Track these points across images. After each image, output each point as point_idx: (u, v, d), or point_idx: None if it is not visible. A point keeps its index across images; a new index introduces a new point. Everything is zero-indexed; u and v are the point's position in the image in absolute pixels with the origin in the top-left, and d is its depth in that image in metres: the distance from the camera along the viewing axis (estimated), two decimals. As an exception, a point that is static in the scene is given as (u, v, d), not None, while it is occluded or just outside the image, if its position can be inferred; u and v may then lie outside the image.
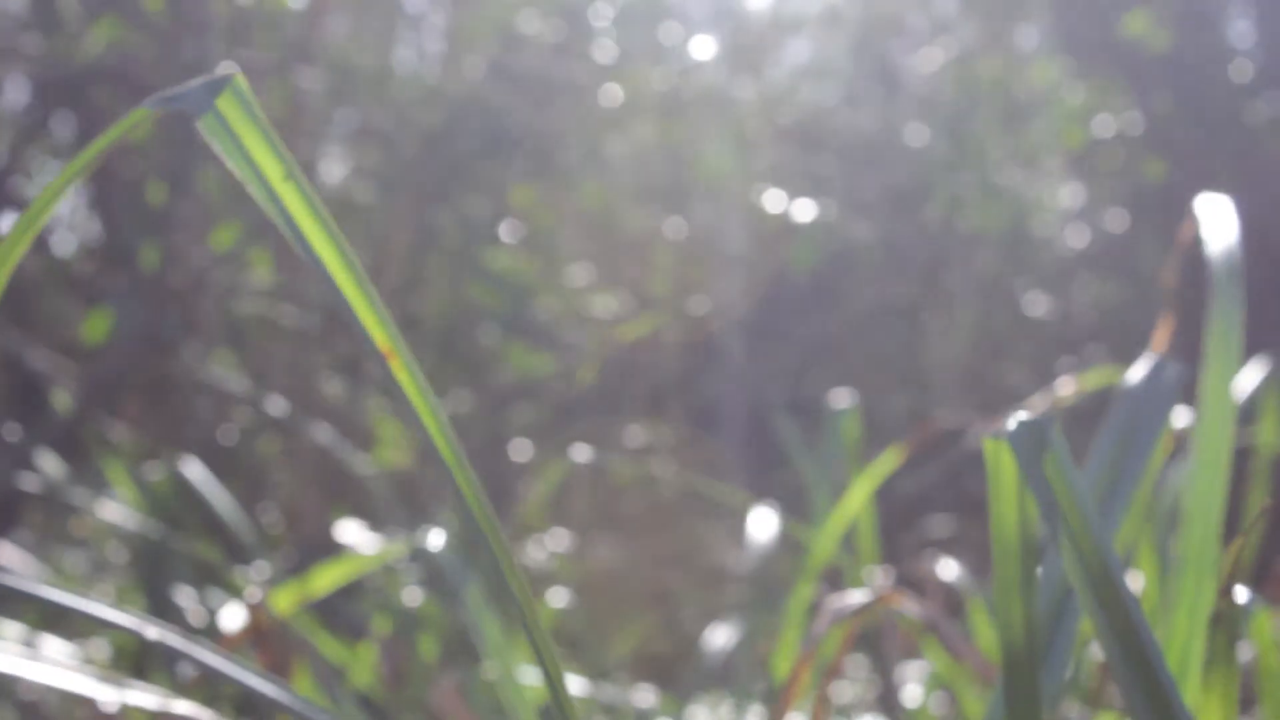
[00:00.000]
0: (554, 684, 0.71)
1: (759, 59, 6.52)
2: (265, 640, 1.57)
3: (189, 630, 2.08)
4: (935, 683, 1.93)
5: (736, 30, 6.43)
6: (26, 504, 2.85)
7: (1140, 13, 5.56)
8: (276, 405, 2.77)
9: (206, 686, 1.85)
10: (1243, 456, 1.50)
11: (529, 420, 4.36)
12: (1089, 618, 0.73)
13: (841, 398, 2.19)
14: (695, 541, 5.02)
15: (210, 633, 2.02)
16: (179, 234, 3.26)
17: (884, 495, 2.06)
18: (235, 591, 2.09)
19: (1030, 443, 0.76)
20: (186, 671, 1.87)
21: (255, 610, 1.55)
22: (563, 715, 0.72)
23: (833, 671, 1.33)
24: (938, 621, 1.42)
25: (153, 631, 0.79)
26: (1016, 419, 0.77)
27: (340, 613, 2.29)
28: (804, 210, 5.18)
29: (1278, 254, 5.14)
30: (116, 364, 3.02)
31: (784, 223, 5.19)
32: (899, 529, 4.53)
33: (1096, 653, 1.51)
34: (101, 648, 2.20)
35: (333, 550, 1.86)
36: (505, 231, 4.03)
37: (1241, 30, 6.42)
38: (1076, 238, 6.87)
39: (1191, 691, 0.92)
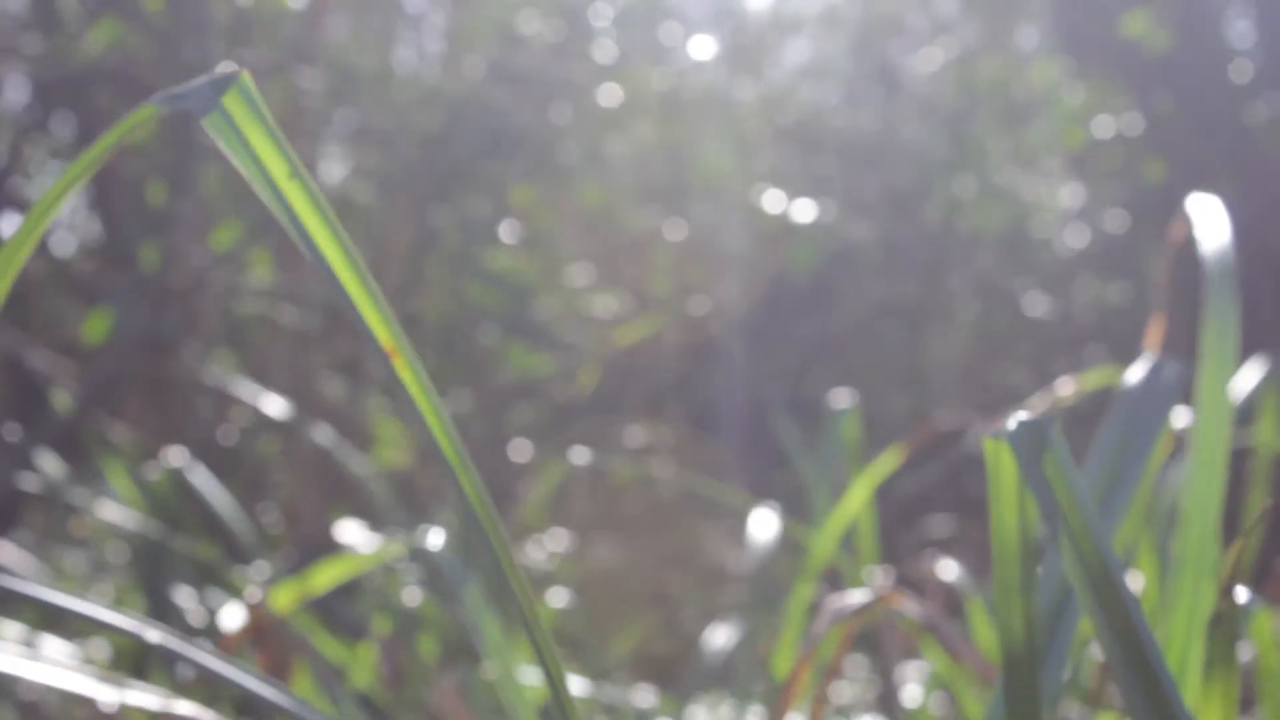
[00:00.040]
0: (555, 683, 0.71)
1: (759, 59, 6.53)
2: (265, 640, 1.57)
3: (189, 630, 2.08)
4: (935, 683, 1.93)
5: (736, 30, 6.43)
6: (26, 504, 2.85)
7: (1140, 13, 5.57)
8: (276, 405, 2.77)
9: (207, 686, 1.85)
10: (1243, 457, 1.50)
11: (529, 420, 4.36)
12: (1089, 618, 0.73)
13: (841, 398, 2.19)
14: (695, 541, 5.02)
15: (210, 632, 2.02)
16: (179, 234, 3.26)
17: (884, 495, 2.06)
18: (235, 591, 2.09)
19: (1030, 443, 0.76)
20: (186, 672, 1.87)
21: (255, 610, 1.55)
22: (563, 714, 0.72)
23: (832, 671, 1.33)
24: (937, 622, 1.43)
25: (154, 635, 0.80)
26: (1016, 419, 0.77)
27: (340, 613, 2.29)
28: (804, 210, 5.18)
29: (1276, 254, 5.14)
30: (116, 364, 3.02)
31: (784, 223, 5.19)
32: (899, 529, 4.53)
33: (1096, 653, 1.51)
34: (101, 647, 2.20)
35: (332, 550, 1.86)
36: (505, 231, 4.03)
37: (1241, 31, 6.42)
38: (1076, 238, 6.87)
39: (1191, 692, 0.92)
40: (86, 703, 1.72)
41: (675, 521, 4.99)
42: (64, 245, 3.91)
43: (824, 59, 7.21)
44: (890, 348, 6.35)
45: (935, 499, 5.17)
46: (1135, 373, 1.08)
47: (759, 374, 6.35)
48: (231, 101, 0.66)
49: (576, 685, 2.07)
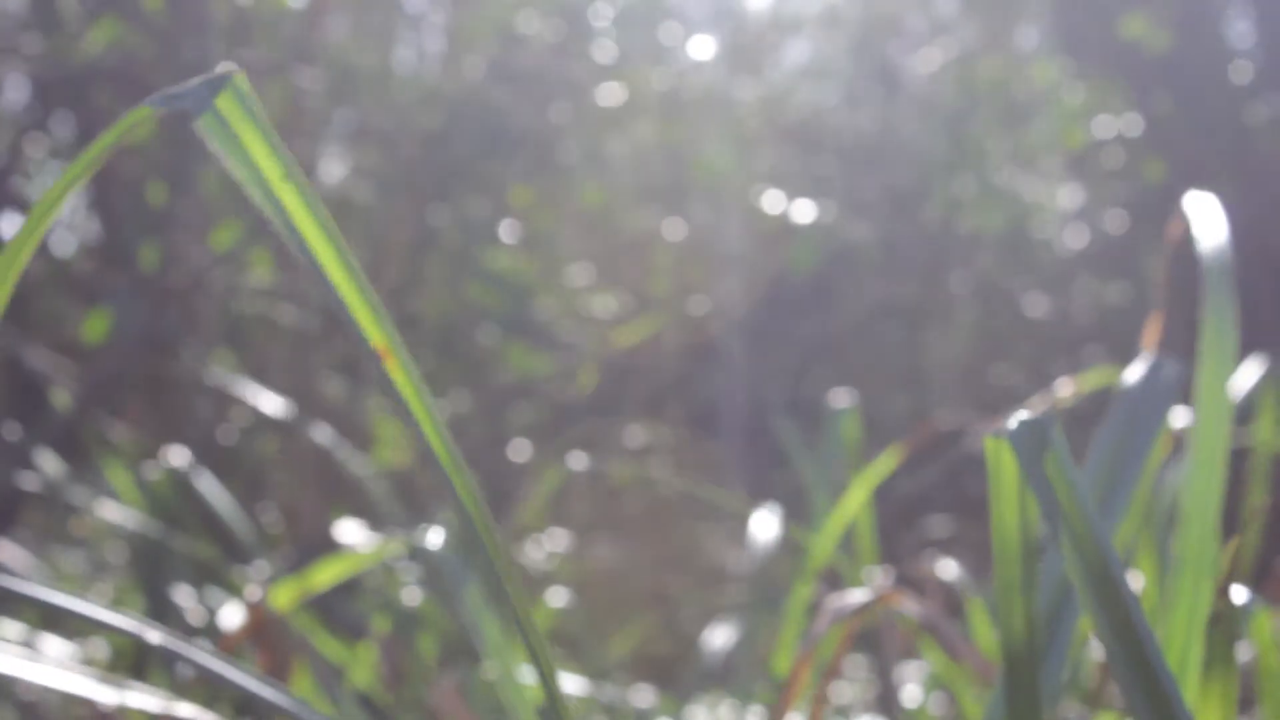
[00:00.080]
0: (550, 689, 0.71)
1: (759, 59, 6.53)
2: (265, 639, 1.57)
3: (188, 629, 2.08)
4: (934, 683, 1.93)
5: (736, 30, 6.43)
6: (26, 503, 2.85)
7: (1139, 15, 5.57)
8: (276, 404, 2.77)
9: (207, 685, 1.85)
10: (1242, 457, 1.50)
11: (528, 420, 4.36)
12: (1090, 617, 0.73)
13: (841, 398, 2.19)
14: (695, 541, 5.02)
15: (210, 631, 2.02)
16: (179, 234, 3.26)
17: (884, 495, 2.06)
18: (234, 590, 2.09)
19: (1031, 442, 0.76)
20: (186, 672, 1.87)
21: (255, 609, 1.55)
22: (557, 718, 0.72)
23: (832, 671, 1.33)
24: (937, 621, 1.43)
25: (154, 635, 0.79)
26: (1017, 418, 0.77)
27: (340, 612, 2.29)
28: (803, 211, 5.18)
29: (1276, 255, 5.14)
30: (116, 364, 3.02)
31: (783, 223, 5.19)
32: (899, 529, 4.53)
33: (1096, 652, 1.51)
34: (101, 647, 2.20)
35: (332, 550, 1.86)
36: (505, 231, 4.03)
37: (1241, 31, 6.42)
38: (1076, 238, 6.87)
39: (1191, 691, 0.92)
40: (86, 703, 1.72)
41: (675, 521, 4.99)
42: (64, 245, 3.91)
43: (824, 59, 7.21)
44: (890, 348, 6.35)
45: (935, 499, 5.17)
46: (1134, 372, 1.08)
47: (759, 374, 6.34)
48: (225, 102, 0.65)
49: (576, 685, 2.07)
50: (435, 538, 1.46)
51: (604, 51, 4.48)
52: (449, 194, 3.89)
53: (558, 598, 2.43)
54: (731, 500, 2.27)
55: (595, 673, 2.39)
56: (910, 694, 2.01)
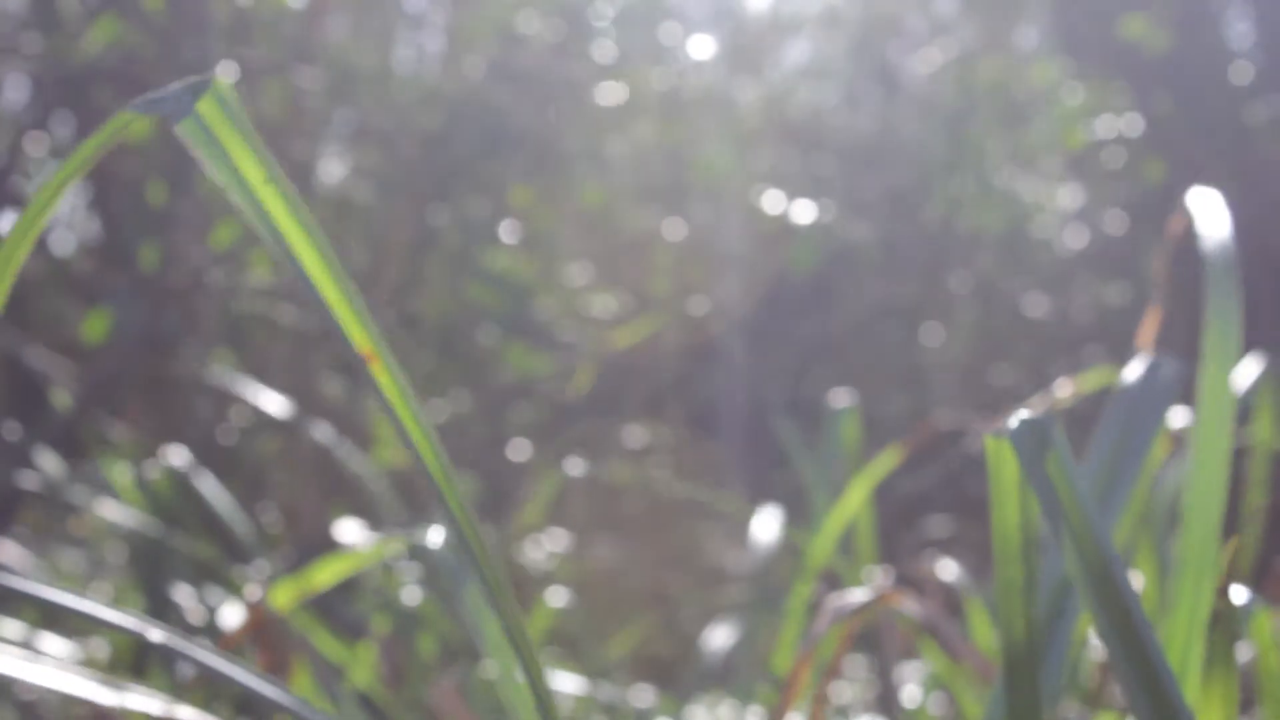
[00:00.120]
0: (541, 701, 0.71)
1: (759, 59, 6.53)
2: (265, 639, 1.57)
3: (188, 629, 2.08)
4: (934, 683, 1.93)
5: (736, 30, 6.43)
6: (26, 503, 2.85)
7: (1139, 15, 5.57)
8: (276, 403, 2.77)
9: (206, 685, 1.85)
10: (1238, 457, 1.50)
11: (528, 420, 4.36)
12: (1090, 615, 0.73)
13: (841, 398, 2.19)
14: (695, 541, 5.02)
15: (209, 631, 2.02)
16: (179, 234, 3.26)
17: (883, 495, 2.06)
18: (234, 590, 2.09)
19: (1032, 441, 0.76)
20: (186, 671, 1.87)
21: (254, 608, 1.55)
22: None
23: (832, 671, 1.33)
24: (937, 621, 1.42)
25: (154, 633, 0.79)
26: (1018, 418, 0.77)
27: (339, 612, 2.29)
28: (803, 211, 5.18)
29: (1276, 255, 5.14)
30: (116, 363, 3.02)
31: (783, 223, 5.19)
32: (899, 529, 4.53)
33: (1096, 652, 1.51)
34: (100, 646, 2.20)
35: (332, 549, 1.86)
36: (505, 231, 4.03)
37: (1241, 32, 6.42)
38: (1076, 239, 6.87)
39: (1192, 691, 0.92)
40: (86, 703, 1.72)
41: (675, 521, 5.00)
42: (63, 245, 3.91)
43: (824, 59, 7.21)
44: (890, 348, 6.35)
45: (935, 499, 5.17)
46: (1133, 370, 1.08)
47: (759, 374, 6.35)
48: (207, 106, 0.65)
49: (575, 685, 2.07)
50: (435, 537, 1.45)
51: (604, 51, 4.48)
52: (449, 194, 3.89)
53: (558, 598, 2.43)
54: (730, 502, 2.27)
55: (595, 672, 2.39)
56: (910, 694, 2.01)
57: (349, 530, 2.11)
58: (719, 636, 2.22)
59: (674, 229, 5.46)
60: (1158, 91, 5.88)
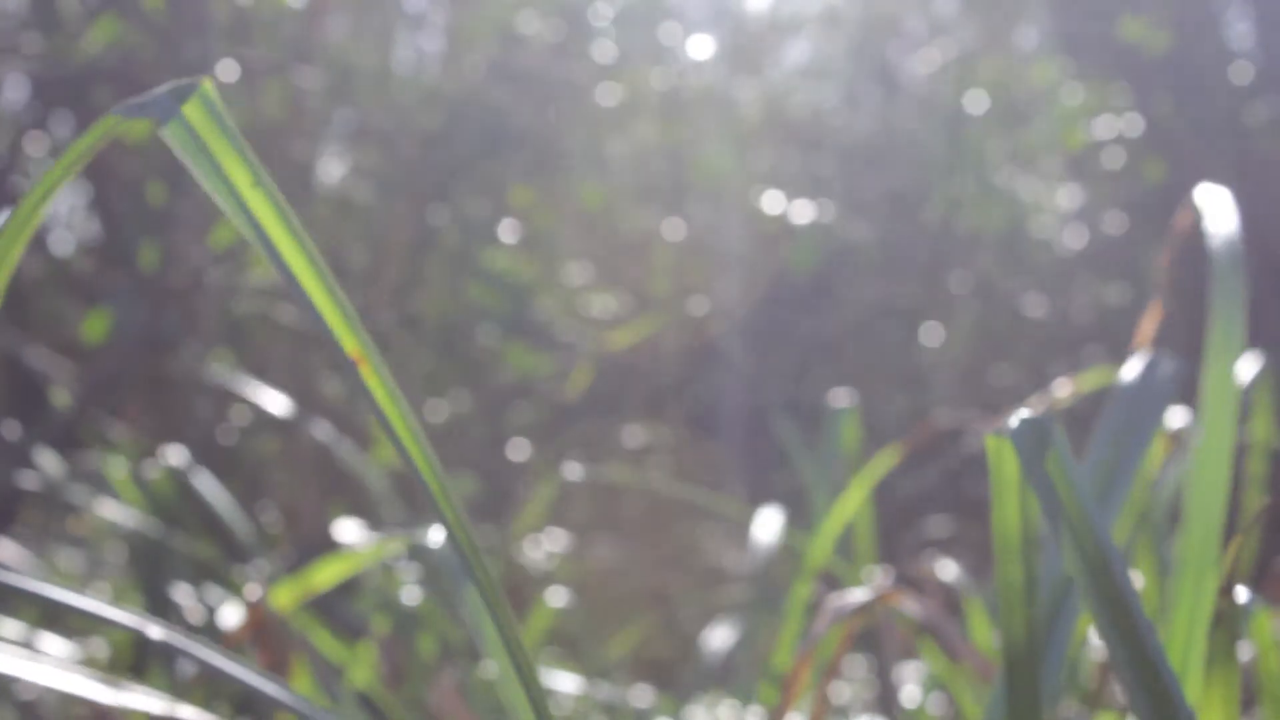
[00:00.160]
0: (536, 705, 0.71)
1: (758, 59, 6.53)
2: (264, 639, 1.57)
3: (187, 628, 2.08)
4: (933, 683, 1.93)
5: (736, 30, 6.43)
6: (25, 502, 2.85)
7: (1139, 15, 5.57)
8: (275, 402, 2.77)
9: (205, 685, 1.85)
10: (1236, 456, 1.50)
11: (528, 420, 4.36)
12: (1091, 614, 0.73)
13: (841, 398, 2.19)
14: (694, 542, 5.02)
15: (208, 631, 2.02)
16: (179, 233, 3.26)
17: (883, 496, 2.06)
18: (234, 590, 2.09)
19: (1032, 440, 0.76)
20: (186, 670, 1.87)
21: (254, 608, 1.55)
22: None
23: (832, 671, 1.33)
24: (937, 621, 1.42)
25: (155, 631, 0.79)
26: (1019, 417, 0.77)
27: (339, 612, 2.29)
28: (803, 211, 5.18)
29: (1276, 255, 5.14)
30: (116, 363, 3.02)
31: (783, 223, 5.19)
32: (898, 529, 4.53)
33: (1096, 652, 1.51)
34: (100, 646, 2.20)
35: (331, 549, 1.86)
36: (505, 231, 4.03)
37: (1241, 32, 6.42)
38: (1075, 239, 6.87)
39: (1193, 691, 0.92)
40: (85, 702, 1.72)
41: (675, 521, 4.99)
42: (63, 244, 3.91)
43: (824, 59, 7.20)
44: (890, 348, 6.35)
45: (935, 499, 5.17)
46: (1132, 368, 1.08)
47: (758, 374, 6.35)
48: (192, 110, 0.65)
49: (575, 685, 2.07)
50: (435, 537, 1.45)
51: (604, 51, 4.48)
52: (449, 194, 3.89)
53: (557, 598, 2.43)
54: (729, 505, 2.27)
55: (595, 672, 2.39)
56: (910, 694, 2.01)
57: (349, 530, 2.11)
58: (719, 636, 2.22)
59: (674, 229, 5.46)
60: (1158, 91, 5.88)
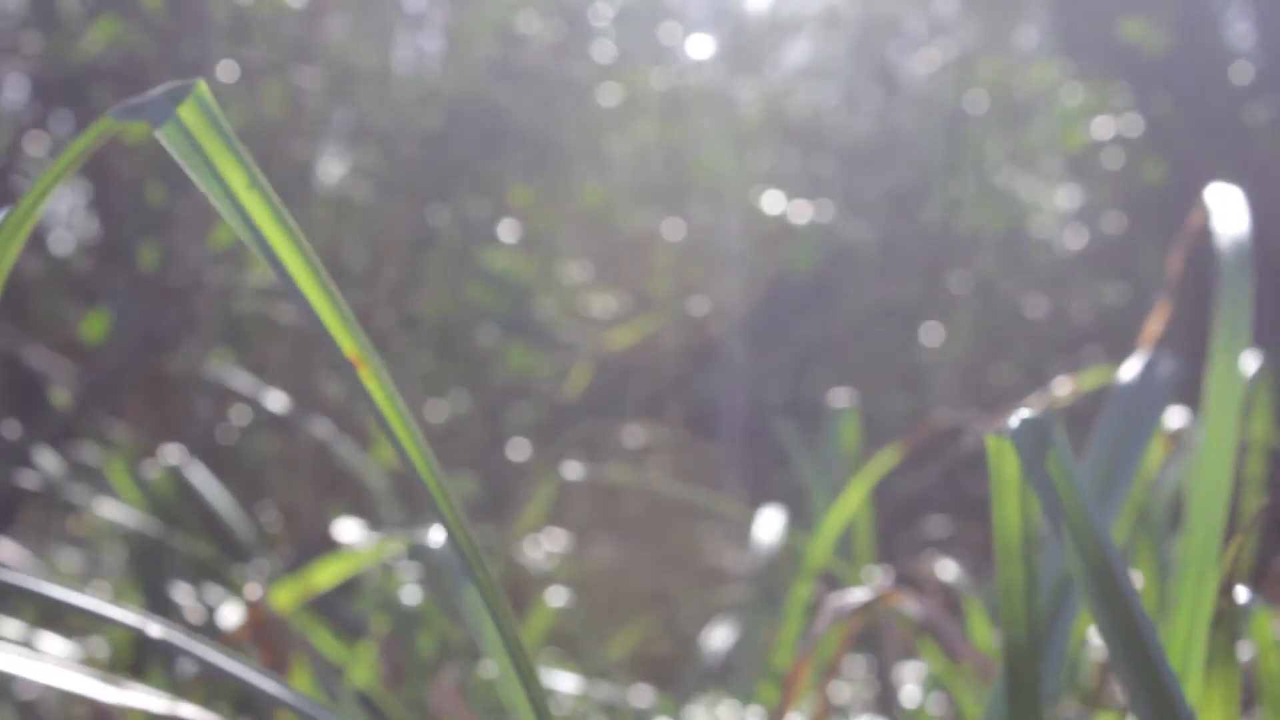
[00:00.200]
0: (537, 705, 0.71)
1: (758, 59, 6.53)
2: (264, 638, 1.57)
3: (187, 628, 2.08)
4: (933, 683, 1.93)
5: (736, 30, 6.43)
6: (25, 502, 2.85)
7: (1138, 16, 5.56)
8: (275, 401, 2.77)
9: (205, 684, 1.85)
10: (1238, 456, 1.50)
11: (528, 420, 4.36)
12: (1091, 614, 0.73)
13: (841, 398, 2.19)
14: (694, 541, 5.02)
15: (208, 630, 2.02)
16: (178, 233, 3.26)
17: (883, 495, 2.06)
18: (234, 589, 2.09)
19: (1032, 440, 0.76)
20: (185, 669, 1.87)
21: (254, 608, 1.55)
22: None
23: (832, 671, 1.33)
24: (937, 621, 1.42)
25: (155, 629, 0.79)
26: (1019, 417, 0.77)
27: (339, 611, 2.29)
28: (803, 211, 5.18)
29: (1276, 256, 5.13)
30: (115, 362, 3.02)
31: (783, 223, 5.19)
32: (898, 529, 4.53)
33: (1096, 652, 1.51)
34: (100, 645, 2.20)
35: (331, 549, 1.86)
36: (504, 231, 4.03)
37: (1241, 32, 6.41)
38: (1075, 239, 6.87)
39: (1193, 691, 0.92)
40: (85, 701, 1.72)
41: (675, 521, 4.99)
42: (63, 244, 3.91)
43: (824, 59, 7.20)
44: (890, 348, 6.35)
45: (934, 499, 5.17)
46: (1131, 368, 1.08)
47: (758, 374, 6.35)
48: (187, 112, 0.65)
49: (575, 685, 2.07)
50: (435, 537, 1.45)
51: (604, 51, 4.48)
52: (449, 194, 3.89)
53: (557, 598, 2.43)
54: (729, 505, 2.27)
55: (595, 672, 2.39)
56: (910, 694, 2.01)
57: (348, 530, 2.11)
58: (719, 636, 2.22)
59: (674, 229, 5.46)
60: (1158, 92, 5.88)
